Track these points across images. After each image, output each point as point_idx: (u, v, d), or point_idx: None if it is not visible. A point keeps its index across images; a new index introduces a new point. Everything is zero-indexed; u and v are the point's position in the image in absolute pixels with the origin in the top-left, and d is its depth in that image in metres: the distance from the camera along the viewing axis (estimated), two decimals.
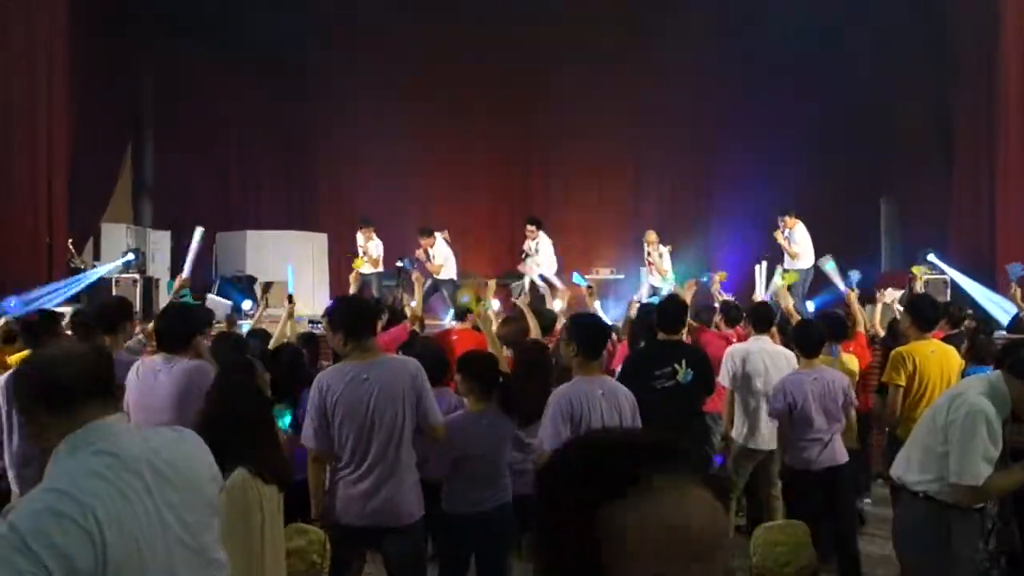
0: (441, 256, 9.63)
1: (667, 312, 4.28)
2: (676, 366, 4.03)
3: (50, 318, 4.16)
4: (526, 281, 9.69)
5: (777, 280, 7.05)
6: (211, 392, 2.71)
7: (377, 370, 3.10)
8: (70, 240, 9.64)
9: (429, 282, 9.65)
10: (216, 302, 9.00)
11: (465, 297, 4.97)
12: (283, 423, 3.63)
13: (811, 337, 4.41)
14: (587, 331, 3.31)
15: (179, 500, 1.60)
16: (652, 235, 10.03)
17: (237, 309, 8.34)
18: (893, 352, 4.57)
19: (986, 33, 9.78)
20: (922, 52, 11.32)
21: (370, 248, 9.96)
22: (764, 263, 7.91)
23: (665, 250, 9.89)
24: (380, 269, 10.00)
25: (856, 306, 5.67)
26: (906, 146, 12.04)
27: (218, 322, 6.57)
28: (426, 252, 9.59)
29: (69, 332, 4.73)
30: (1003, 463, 2.76)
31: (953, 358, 4.52)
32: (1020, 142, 9.42)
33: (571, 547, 0.82)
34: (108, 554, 1.44)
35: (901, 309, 6.11)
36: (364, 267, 9.48)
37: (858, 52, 11.76)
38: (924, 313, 4.57)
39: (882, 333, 5.89)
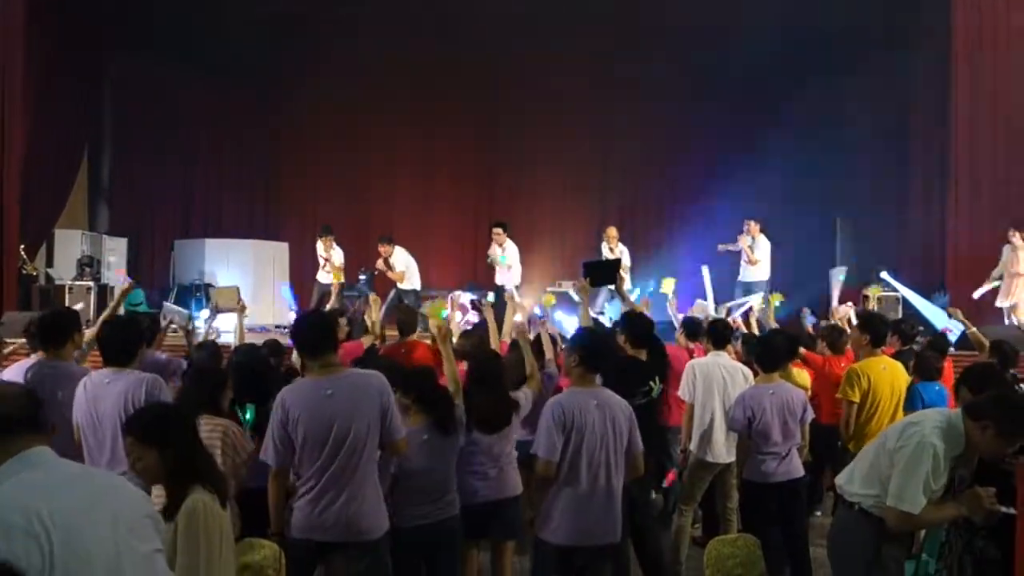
0: (401, 263, 9.56)
1: (639, 331, 4.35)
2: (651, 383, 4.18)
3: None
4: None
5: (759, 301, 7.28)
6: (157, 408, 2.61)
7: (341, 385, 3.09)
8: (22, 246, 9.39)
9: (393, 293, 9.58)
10: (173, 310, 8.80)
11: (446, 312, 4.97)
12: (247, 417, 3.59)
13: (772, 353, 4.49)
14: (591, 345, 3.46)
15: (119, 508, 1.63)
16: (613, 231, 9.88)
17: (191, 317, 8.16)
18: (848, 369, 4.70)
19: (939, 60, 10.12)
20: (879, 75, 11.64)
21: (333, 257, 9.85)
22: (706, 267, 8.48)
23: (624, 248, 9.88)
24: (342, 280, 9.88)
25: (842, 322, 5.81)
26: (862, 167, 12.35)
27: (174, 331, 6.44)
28: (386, 261, 9.51)
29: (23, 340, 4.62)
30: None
31: (901, 374, 4.66)
32: (969, 165, 9.77)
33: None
34: (55, 554, 1.46)
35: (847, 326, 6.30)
36: (330, 276, 9.36)
37: (817, 73, 12.05)
38: (878, 329, 4.73)
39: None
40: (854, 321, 5.95)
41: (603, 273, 5.53)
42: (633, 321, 4.43)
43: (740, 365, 4.89)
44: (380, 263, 9.54)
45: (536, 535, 3.43)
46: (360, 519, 3.06)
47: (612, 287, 6.64)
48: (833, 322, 6.21)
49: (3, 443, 1.63)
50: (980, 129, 9.76)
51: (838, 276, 8.58)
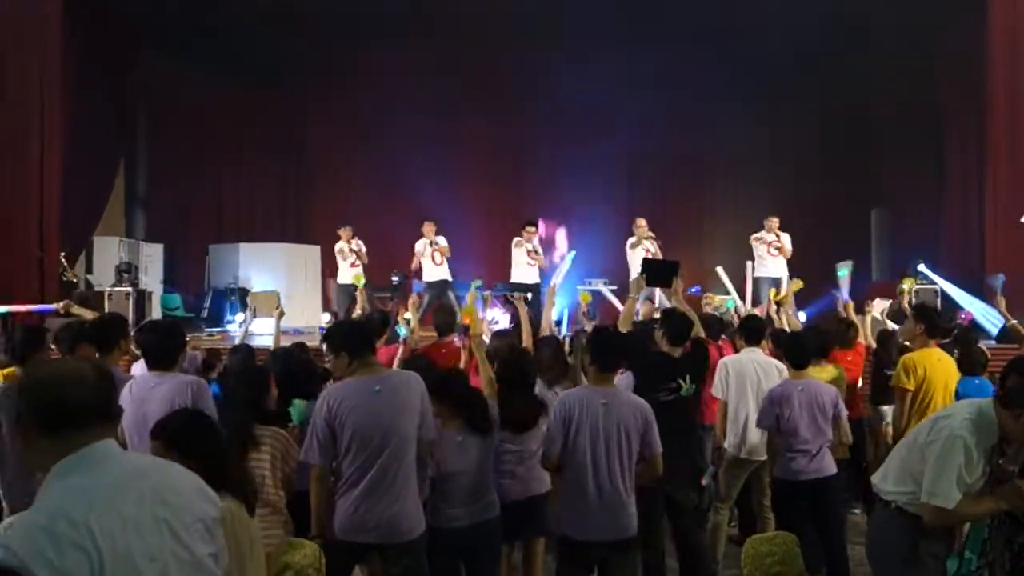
0: (442, 241, 9.71)
1: (677, 329, 4.29)
2: (681, 381, 4.09)
3: (35, 334, 4.07)
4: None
5: (780, 289, 7.18)
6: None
7: (387, 383, 3.13)
8: (62, 253, 9.61)
9: (430, 293, 9.54)
10: None
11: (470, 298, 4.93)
12: (296, 413, 3.67)
13: (801, 349, 4.44)
14: (603, 345, 3.49)
15: (170, 514, 1.61)
16: (642, 222, 9.56)
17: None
18: (904, 358, 4.61)
19: (974, 48, 9.88)
20: (913, 66, 11.43)
21: (355, 246, 9.92)
22: (751, 263, 8.48)
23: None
24: (362, 279, 9.78)
25: (853, 316, 5.73)
26: (897, 158, 12.15)
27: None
28: (432, 239, 9.58)
29: (53, 347, 4.68)
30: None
31: (952, 367, 4.59)
32: (1008, 154, 9.51)
33: None
34: (105, 566, 1.45)
35: (888, 320, 6.19)
36: (352, 274, 9.38)
37: (851, 64, 11.87)
38: (933, 319, 4.66)
39: (874, 344, 5.93)
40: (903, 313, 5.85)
41: (661, 273, 5.30)
42: (672, 319, 4.38)
43: (774, 361, 4.82)
44: (425, 241, 9.61)
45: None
46: (401, 520, 3.09)
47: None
48: (842, 315, 6.11)
49: (73, 435, 1.55)
50: (1019, 114, 9.51)
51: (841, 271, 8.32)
